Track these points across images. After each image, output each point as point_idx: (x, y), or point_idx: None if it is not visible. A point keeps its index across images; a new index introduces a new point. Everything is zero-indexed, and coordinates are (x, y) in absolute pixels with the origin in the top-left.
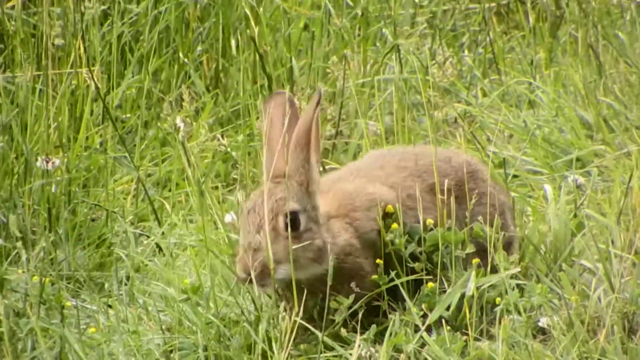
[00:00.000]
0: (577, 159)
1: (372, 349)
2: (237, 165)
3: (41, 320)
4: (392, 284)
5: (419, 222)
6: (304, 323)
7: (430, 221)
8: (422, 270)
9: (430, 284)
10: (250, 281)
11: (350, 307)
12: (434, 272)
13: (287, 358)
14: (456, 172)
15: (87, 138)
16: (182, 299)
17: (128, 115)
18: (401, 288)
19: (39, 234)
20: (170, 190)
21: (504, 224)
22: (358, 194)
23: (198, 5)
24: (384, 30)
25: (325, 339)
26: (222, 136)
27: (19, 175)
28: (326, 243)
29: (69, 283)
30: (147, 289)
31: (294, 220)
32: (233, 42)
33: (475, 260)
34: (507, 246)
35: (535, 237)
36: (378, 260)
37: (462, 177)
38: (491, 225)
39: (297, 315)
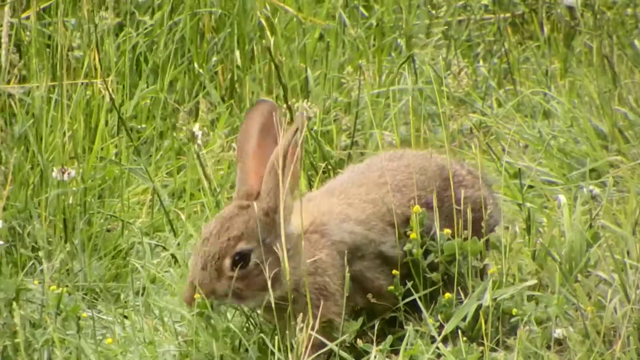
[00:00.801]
0: (593, 170)
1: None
2: None
3: (57, 331)
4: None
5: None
6: (318, 337)
7: (447, 231)
8: (439, 281)
9: (447, 294)
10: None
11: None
12: (448, 282)
13: None
14: (433, 181)
15: (102, 148)
16: (197, 312)
17: (143, 125)
18: (418, 300)
19: (55, 245)
20: (185, 201)
21: (488, 220)
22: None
23: (213, 16)
24: (398, 40)
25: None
26: None
27: (34, 185)
28: (283, 269)
29: (85, 294)
30: (163, 299)
31: (242, 259)
32: (247, 53)
33: (491, 270)
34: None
35: (551, 248)
36: (395, 272)
37: (440, 186)
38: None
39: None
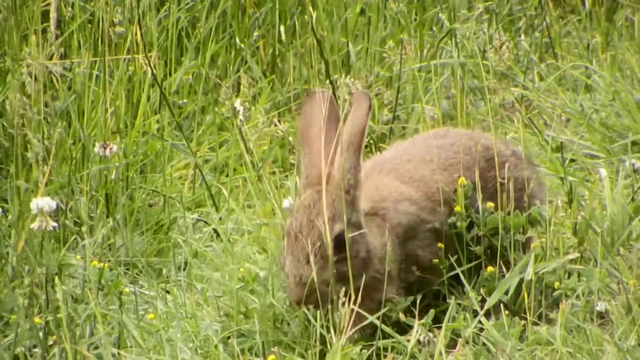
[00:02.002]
0: (634, 143)
1: (431, 334)
2: (294, 151)
3: (99, 306)
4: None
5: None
6: (361, 312)
7: (490, 204)
8: (482, 255)
9: (490, 268)
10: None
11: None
12: (491, 256)
13: (345, 344)
14: (478, 162)
15: (144, 124)
16: (239, 286)
17: (185, 101)
18: (460, 273)
19: (97, 220)
20: (227, 176)
21: (531, 202)
22: (388, 189)
23: None
24: (440, 15)
25: (383, 326)
26: (279, 121)
27: (76, 161)
28: (369, 250)
29: (127, 269)
30: (205, 274)
31: (341, 241)
32: (289, 28)
33: (534, 245)
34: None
35: (592, 221)
36: (439, 245)
37: (485, 167)
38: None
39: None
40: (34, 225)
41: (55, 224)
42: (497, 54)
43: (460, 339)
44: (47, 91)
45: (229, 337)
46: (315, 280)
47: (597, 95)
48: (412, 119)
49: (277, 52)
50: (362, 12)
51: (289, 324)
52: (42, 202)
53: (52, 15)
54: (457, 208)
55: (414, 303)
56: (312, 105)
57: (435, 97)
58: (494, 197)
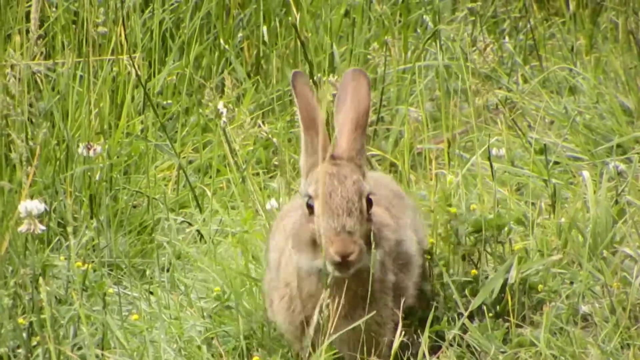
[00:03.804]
0: (618, 146)
1: (414, 335)
2: (278, 152)
3: (83, 307)
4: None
5: None
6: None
7: (473, 206)
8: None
9: (474, 270)
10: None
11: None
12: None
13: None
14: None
15: (128, 125)
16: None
17: (169, 101)
18: (446, 276)
19: (81, 221)
20: (211, 177)
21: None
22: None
23: None
24: (424, 16)
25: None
26: (263, 123)
27: (60, 162)
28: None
29: (110, 270)
30: (189, 276)
31: (369, 203)
32: (273, 29)
33: (517, 246)
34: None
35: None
36: (430, 240)
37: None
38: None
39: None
40: (22, 228)
41: (43, 227)
42: (481, 55)
43: (444, 341)
44: (30, 92)
45: (212, 338)
46: (358, 231)
47: (581, 98)
48: (397, 121)
49: (261, 54)
50: (347, 13)
51: (275, 329)
52: (31, 205)
53: (34, 15)
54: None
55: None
56: (305, 86)
57: (420, 99)
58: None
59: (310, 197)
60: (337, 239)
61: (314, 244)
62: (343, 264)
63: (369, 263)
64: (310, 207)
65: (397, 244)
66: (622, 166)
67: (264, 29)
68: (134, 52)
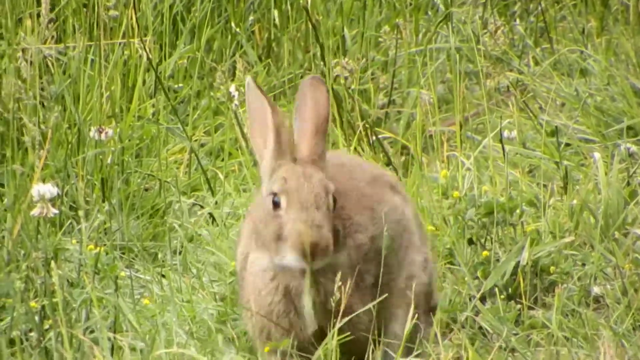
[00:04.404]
0: (629, 127)
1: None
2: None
3: (95, 290)
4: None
5: None
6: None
7: (485, 189)
8: (477, 240)
9: (485, 252)
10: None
11: None
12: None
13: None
14: None
15: (139, 108)
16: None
17: (180, 85)
18: (459, 258)
19: (93, 204)
20: (223, 160)
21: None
22: None
23: None
24: None
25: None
26: None
27: (72, 145)
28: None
29: (122, 253)
30: (201, 258)
31: (334, 201)
32: (284, 12)
33: (529, 228)
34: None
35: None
36: (430, 227)
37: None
38: None
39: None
40: (35, 212)
41: (56, 211)
42: (492, 38)
43: (456, 323)
44: (42, 75)
45: (224, 321)
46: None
47: (592, 80)
48: (408, 104)
49: (272, 37)
50: None
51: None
52: (44, 189)
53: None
54: (456, 194)
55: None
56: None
57: (431, 82)
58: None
59: (275, 194)
60: (307, 231)
61: (279, 240)
62: (313, 255)
63: (337, 261)
64: (275, 204)
65: (371, 241)
66: (634, 147)
67: (275, 12)
68: (145, 35)
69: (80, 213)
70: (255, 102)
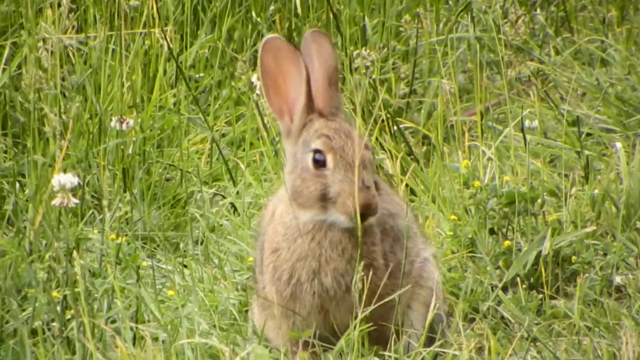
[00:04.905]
0: None
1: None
2: None
3: (117, 280)
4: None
5: None
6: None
7: (506, 178)
8: (498, 230)
9: (507, 242)
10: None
11: None
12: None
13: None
14: None
15: (160, 98)
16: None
17: (201, 74)
18: (481, 248)
19: (114, 195)
20: (244, 150)
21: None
22: None
23: None
24: None
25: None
26: None
27: (93, 135)
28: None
29: (144, 243)
30: (222, 248)
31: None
32: (305, 1)
33: (550, 218)
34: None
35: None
36: (452, 217)
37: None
38: None
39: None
40: (55, 202)
41: (76, 201)
42: (513, 27)
43: (478, 313)
44: (63, 65)
45: (246, 311)
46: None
47: (613, 69)
48: (429, 93)
49: (293, 26)
50: None
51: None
52: (64, 179)
53: None
54: (477, 184)
55: None
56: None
57: (452, 71)
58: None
59: (317, 151)
60: (360, 193)
61: (324, 199)
62: (363, 215)
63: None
64: (317, 162)
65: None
66: None
67: (297, 1)
68: (166, 25)
69: (104, 202)
70: (276, 59)
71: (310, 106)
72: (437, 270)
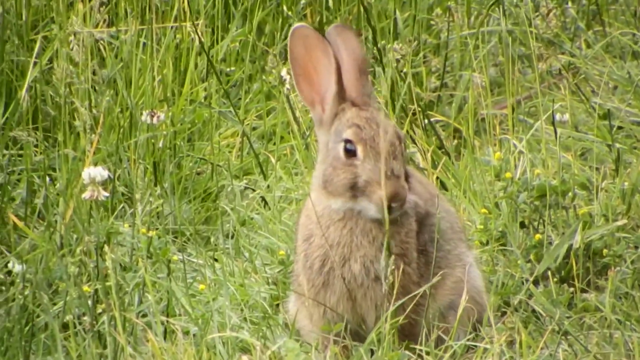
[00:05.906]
0: None
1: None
2: None
3: (148, 274)
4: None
5: None
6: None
7: (537, 172)
8: (529, 223)
9: (538, 235)
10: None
11: None
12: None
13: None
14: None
15: (191, 92)
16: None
17: (232, 68)
18: (512, 241)
19: (145, 188)
20: (275, 144)
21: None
22: None
23: None
24: None
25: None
26: None
27: (124, 129)
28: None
29: (175, 237)
30: (253, 242)
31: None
32: None
33: (581, 211)
34: None
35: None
36: (483, 210)
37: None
38: None
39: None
40: (85, 195)
41: (106, 194)
42: (544, 21)
43: (509, 307)
44: (94, 59)
45: (277, 304)
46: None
47: None
48: (460, 87)
49: (324, 20)
50: None
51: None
52: (94, 172)
53: None
54: (508, 175)
55: None
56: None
57: (483, 65)
58: None
59: (348, 141)
60: (388, 182)
61: (353, 188)
62: (393, 207)
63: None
64: (348, 152)
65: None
66: None
67: None
68: (197, 19)
69: (137, 196)
70: (306, 47)
71: (341, 95)
72: (481, 278)
